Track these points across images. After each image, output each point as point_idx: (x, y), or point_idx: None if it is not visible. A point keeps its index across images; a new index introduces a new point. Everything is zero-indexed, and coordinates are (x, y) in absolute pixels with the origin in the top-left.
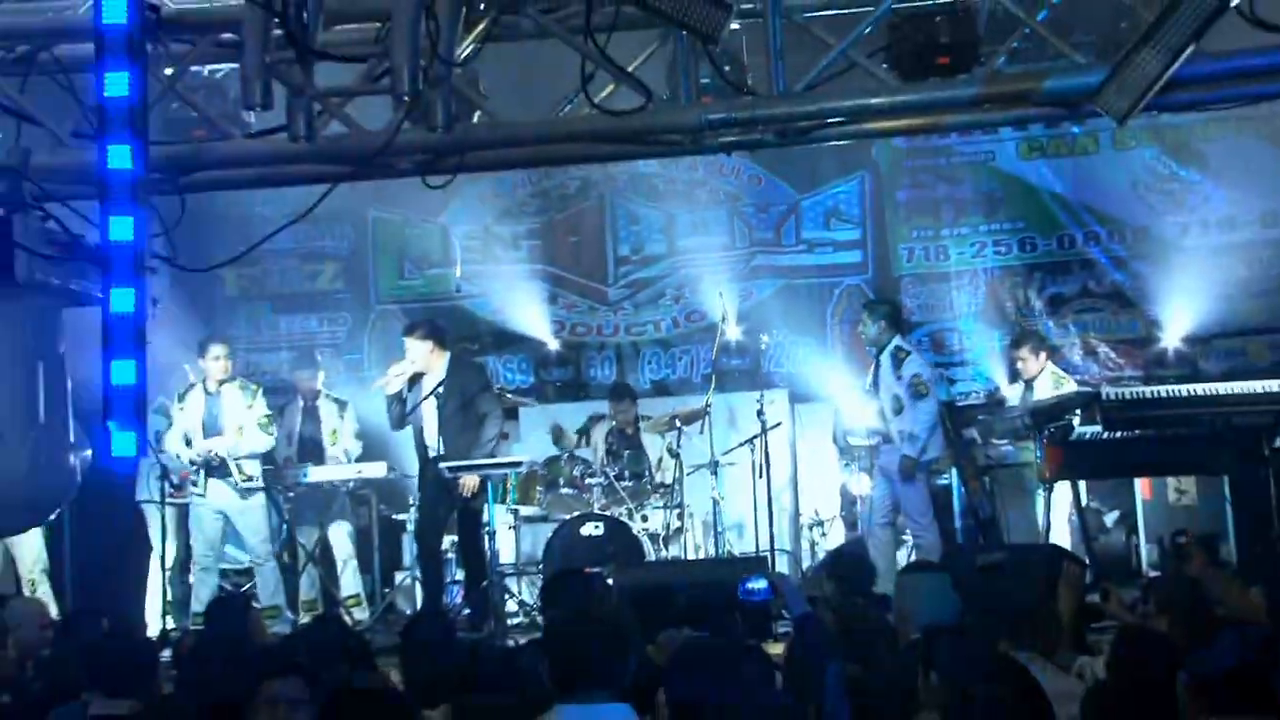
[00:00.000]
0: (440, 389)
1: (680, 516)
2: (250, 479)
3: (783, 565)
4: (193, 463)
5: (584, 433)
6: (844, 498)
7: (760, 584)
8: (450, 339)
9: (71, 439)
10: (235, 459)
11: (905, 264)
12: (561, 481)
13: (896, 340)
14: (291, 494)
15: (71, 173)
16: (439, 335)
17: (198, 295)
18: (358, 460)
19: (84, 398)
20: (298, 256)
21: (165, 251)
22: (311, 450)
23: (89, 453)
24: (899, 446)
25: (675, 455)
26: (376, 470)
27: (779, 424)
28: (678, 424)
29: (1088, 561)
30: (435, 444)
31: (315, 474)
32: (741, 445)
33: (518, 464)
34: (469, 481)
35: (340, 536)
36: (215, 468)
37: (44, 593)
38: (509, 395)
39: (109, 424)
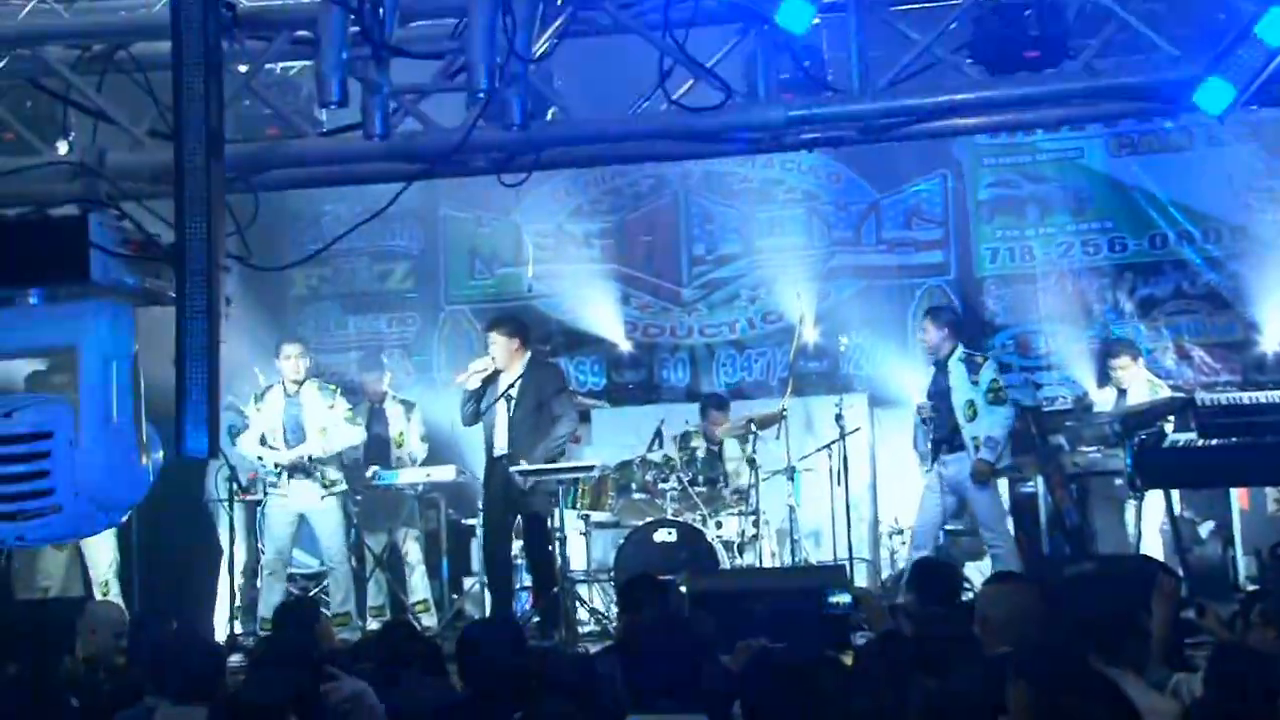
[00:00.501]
0: (514, 388)
1: (755, 524)
2: (333, 482)
3: (861, 575)
4: (278, 466)
5: (660, 437)
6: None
7: (844, 598)
8: (533, 338)
9: (144, 439)
10: (324, 459)
11: (989, 265)
12: (634, 486)
13: (962, 346)
14: (359, 497)
15: (147, 172)
16: (523, 333)
17: (266, 295)
18: (423, 463)
19: (156, 398)
20: (368, 256)
21: (237, 250)
22: (378, 453)
23: (161, 454)
24: (970, 453)
25: (751, 461)
26: (445, 474)
27: (858, 429)
28: (753, 429)
29: (1181, 574)
30: (504, 444)
31: (386, 479)
32: (819, 451)
33: (589, 468)
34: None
35: (409, 541)
36: (303, 469)
37: (115, 595)
38: (581, 398)
39: (182, 425)
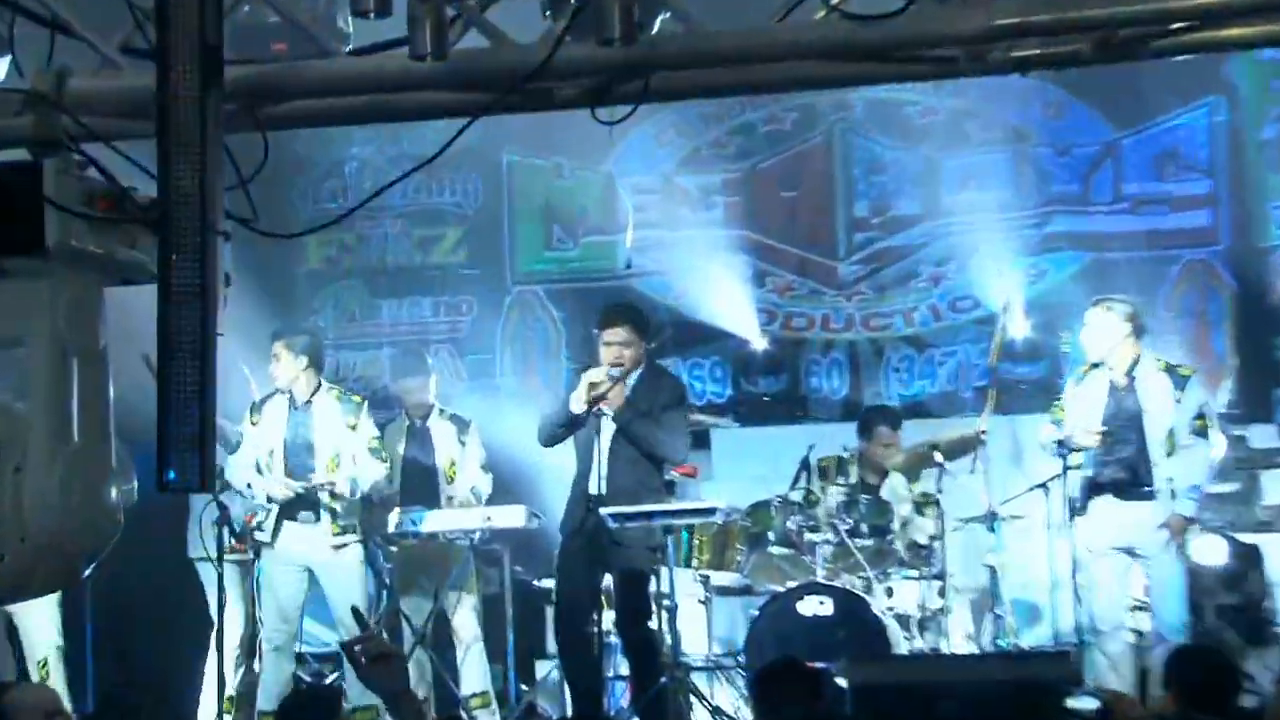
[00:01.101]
0: (623, 407)
1: (942, 591)
2: (348, 527)
3: (1094, 664)
4: (271, 500)
5: (808, 469)
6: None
7: (1087, 704)
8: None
9: (114, 464)
10: (334, 498)
11: (1277, 231)
12: (772, 537)
13: (1152, 352)
14: (394, 548)
15: (121, 102)
16: (648, 330)
17: (267, 271)
18: (487, 502)
19: (131, 409)
20: (406, 218)
21: (239, 210)
22: (421, 488)
23: (135, 486)
24: (1161, 501)
25: (934, 503)
26: (512, 517)
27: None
28: (937, 458)
29: None
30: (599, 479)
31: (431, 522)
32: (1032, 490)
33: (709, 511)
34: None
35: (462, 610)
36: (303, 507)
37: (57, 681)
38: (698, 414)
39: (165, 447)
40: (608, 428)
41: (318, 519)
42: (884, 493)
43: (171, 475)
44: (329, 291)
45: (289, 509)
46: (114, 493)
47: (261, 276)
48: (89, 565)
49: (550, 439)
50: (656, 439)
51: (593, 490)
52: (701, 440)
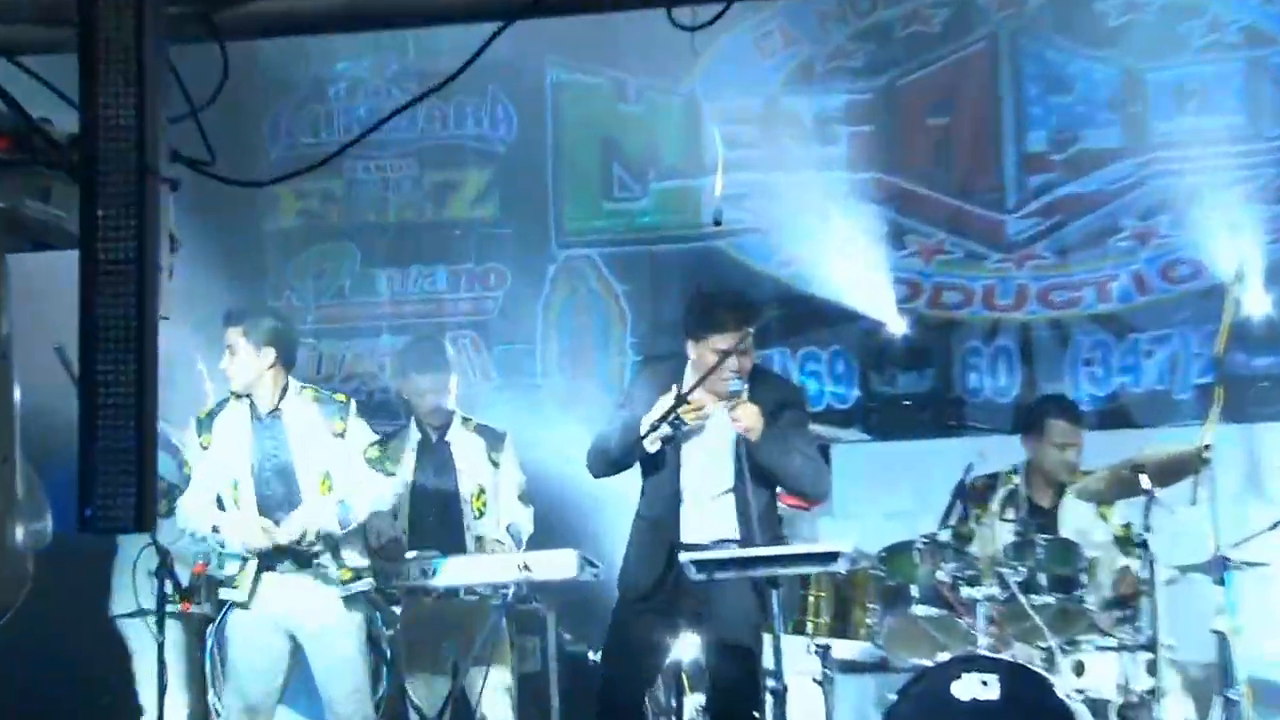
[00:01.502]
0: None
1: (1152, 667)
2: (351, 575)
3: None
4: (249, 549)
5: (965, 498)
6: None
7: None
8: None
9: (19, 494)
10: (330, 533)
11: None
12: (915, 593)
13: None
14: (398, 608)
15: (30, 3)
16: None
17: (226, 231)
18: (526, 545)
19: (43, 419)
20: (415, 158)
21: (190, 150)
22: (436, 524)
23: (47, 523)
24: None
25: (1140, 545)
26: (560, 566)
27: None
28: (1144, 483)
29: None
30: (694, 522)
31: (450, 572)
32: (1277, 528)
33: (830, 557)
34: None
35: (491, 693)
36: (292, 554)
37: None
38: (812, 426)
39: (89, 474)
40: (699, 448)
41: (303, 566)
42: (1064, 525)
43: (96, 510)
44: (308, 258)
45: (268, 558)
46: (19, 533)
47: (218, 239)
48: None
49: (605, 471)
50: (793, 467)
51: (686, 536)
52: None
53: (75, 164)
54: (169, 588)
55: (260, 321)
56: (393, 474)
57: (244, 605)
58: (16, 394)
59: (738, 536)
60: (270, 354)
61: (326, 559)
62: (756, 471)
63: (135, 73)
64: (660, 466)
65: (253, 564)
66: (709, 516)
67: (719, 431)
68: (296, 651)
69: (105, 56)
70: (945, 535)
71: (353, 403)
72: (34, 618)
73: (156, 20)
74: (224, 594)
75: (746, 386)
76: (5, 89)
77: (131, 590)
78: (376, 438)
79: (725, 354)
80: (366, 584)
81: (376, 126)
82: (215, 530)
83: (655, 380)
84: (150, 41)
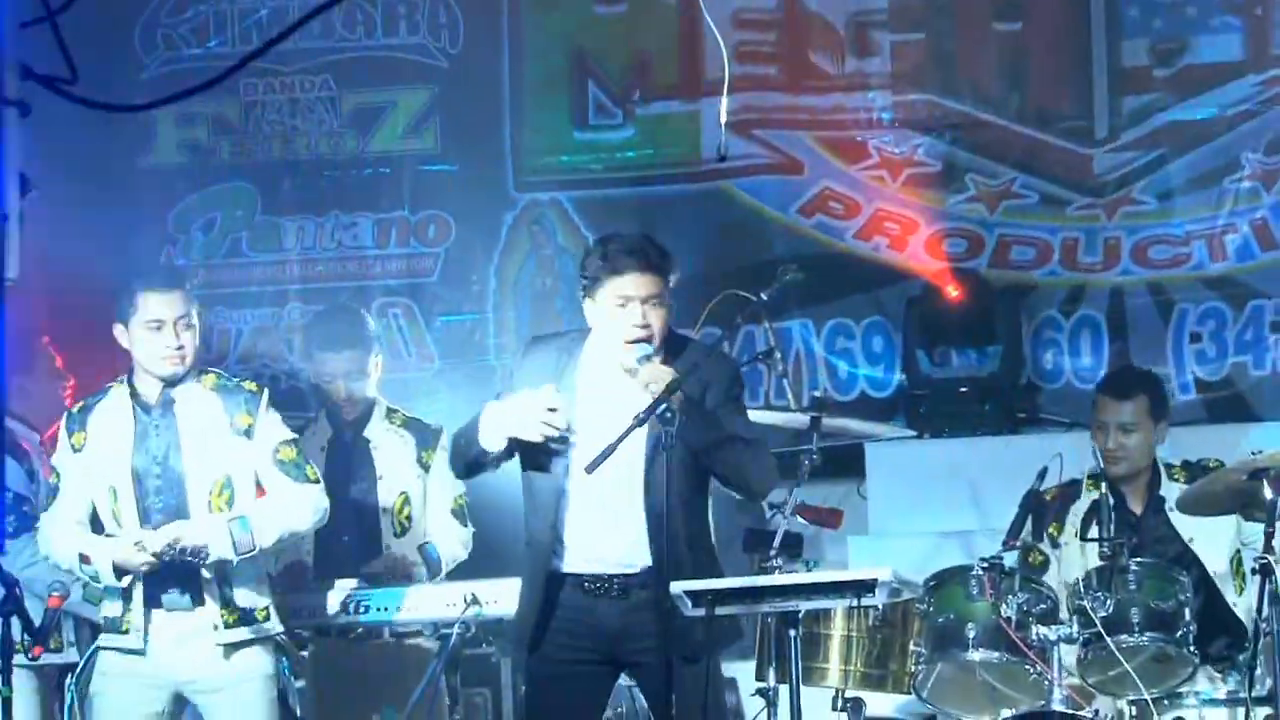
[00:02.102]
0: (666, 404)
1: None
2: (252, 615)
3: None
4: (122, 575)
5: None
6: None
7: None
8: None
9: None
10: (226, 557)
11: None
12: (973, 632)
13: None
14: (307, 652)
15: None
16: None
17: (90, 169)
18: (457, 573)
19: None
20: (330, 74)
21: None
22: (351, 543)
23: None
24: None
25: (1265, 569)
26: (505, 598)
27: None
28: (1266, 491)
29: None
30: (628, 537)
31: (375, 607)
32: None
33: (865, 587)
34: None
35: None
36: (171, 581)
37: None
38: (842, 419)
39: None
40: (633, 461)
41: (196, 600)
42: (1163, 544)
43: None
44: (194, 205)
45: (154, 585)
46: None
47: (80, 178)
48: None
49: (469, 470)
50: (732, 452)
51: (574, 564)
52: (848, 462)
53: None
54: (15, 629)
55: (170, 291)
56: (315, 481)
57: (139, 652)
58: None
59: (650, 563)
60: (183, 325)
61: (218, 589)
62: (681, 465)
63: None
64: (543, 469)
65: (139, 595)
66: (611, 535)
67: (619, 413)
68: (180, 713)
69: None
70: (1011, 559)
71: (265, 392)
72: None
73: None
74: (106, 640)
75: (660, 355)
76: None
77: None
78: (292, 436)
79: (626, 301)
80: (274, 628)
81: (286, 35)
82: (84, 561)
83: (543, 364)
84: None
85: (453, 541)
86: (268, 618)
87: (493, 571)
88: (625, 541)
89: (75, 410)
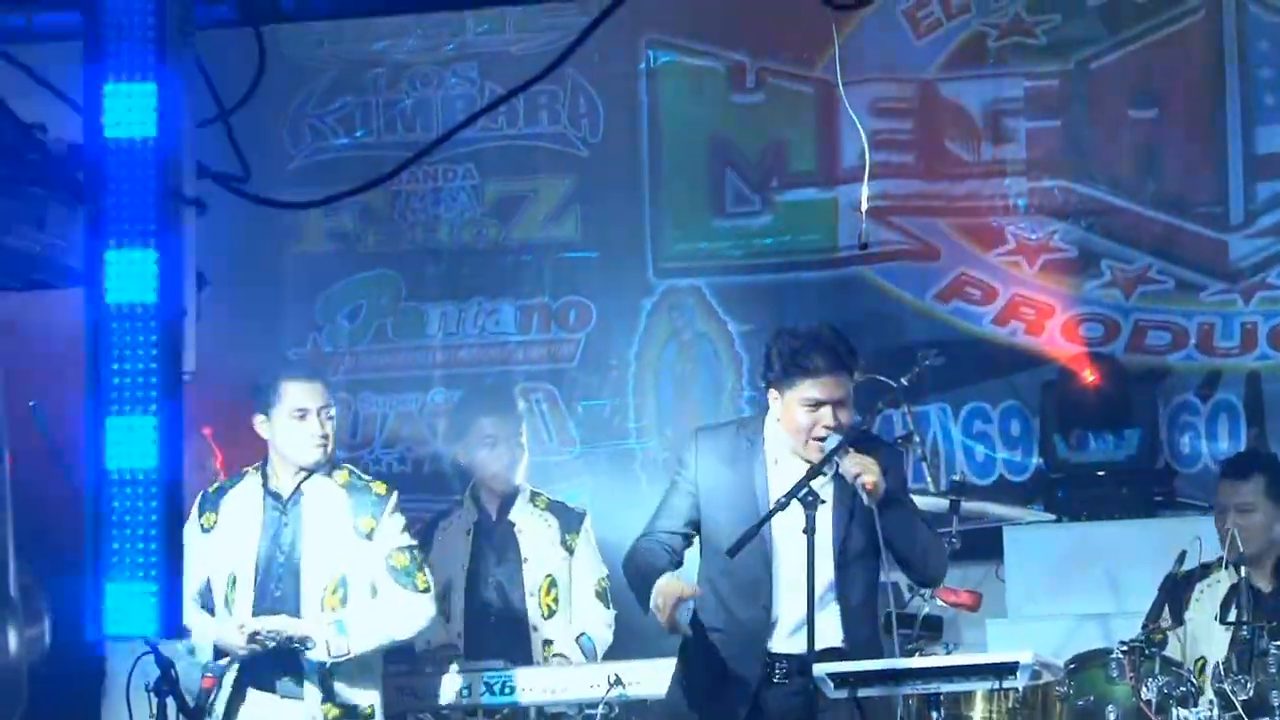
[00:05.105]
0: (830, 494)
1: None
2: (361, 714)
3: None
4: (222, 656)
5: (1178, 593)
6: None
7: None
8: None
9: (13, 593)
10: (333, 660)
11: None
12: (1112, 715)
13: None
14: None
15: None
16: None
17: (247, 256)
18: (606, 656)
19: (36, 500)
20: (474, 163)
21: (217, 164)
22: (495, 626)
23: (45, 628)
24: None
25: None
26: (648, 679)
27: None
28: None
29: None
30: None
31: (520, 687)
32: None
33: (1006, 669)
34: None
35: None
36: (280, 668)
37: None
38: (978, 501)
39: (99, 570)
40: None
41: (299, 686)
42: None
43: (110, 615)
44: (340, 292)
45: (255, 671)
46: (11, 640)
47: (236, 270)
48: None
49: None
50: (922, 538)
51: (778, 645)
52: (985, 546)
53: (77, 185)
54: (171, 709)
55: (311, 381)
56: (425, 590)
57: None
58: (8, 464)
59: (841, 644)
60: (326, 416)
61: (317, 679)
62: (869, 549)
63: (154, 63)
64: (767, 548)
65: (232, 675)
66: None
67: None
68: None
69: (116, 42)
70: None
71: (394, 496)
72: None
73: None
74: None
75: (841, 445)
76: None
77: (125, 713)
78: (410, 542)
79: (818, 405)
80: None
81: (449, 135)
82: (189, 647)
83: (719, 452)
84: (174, 24)
85: (599, 624)
86: (372, 715)
87: (634, 652)
88: (822, 624)
89: (211, 491)
